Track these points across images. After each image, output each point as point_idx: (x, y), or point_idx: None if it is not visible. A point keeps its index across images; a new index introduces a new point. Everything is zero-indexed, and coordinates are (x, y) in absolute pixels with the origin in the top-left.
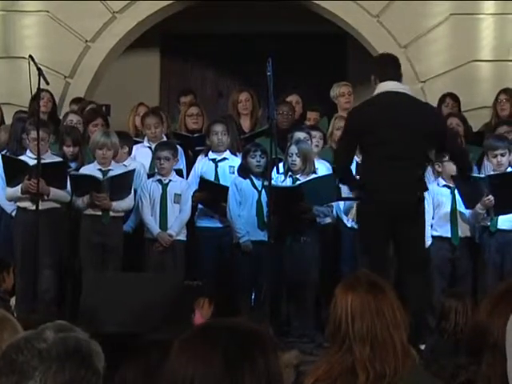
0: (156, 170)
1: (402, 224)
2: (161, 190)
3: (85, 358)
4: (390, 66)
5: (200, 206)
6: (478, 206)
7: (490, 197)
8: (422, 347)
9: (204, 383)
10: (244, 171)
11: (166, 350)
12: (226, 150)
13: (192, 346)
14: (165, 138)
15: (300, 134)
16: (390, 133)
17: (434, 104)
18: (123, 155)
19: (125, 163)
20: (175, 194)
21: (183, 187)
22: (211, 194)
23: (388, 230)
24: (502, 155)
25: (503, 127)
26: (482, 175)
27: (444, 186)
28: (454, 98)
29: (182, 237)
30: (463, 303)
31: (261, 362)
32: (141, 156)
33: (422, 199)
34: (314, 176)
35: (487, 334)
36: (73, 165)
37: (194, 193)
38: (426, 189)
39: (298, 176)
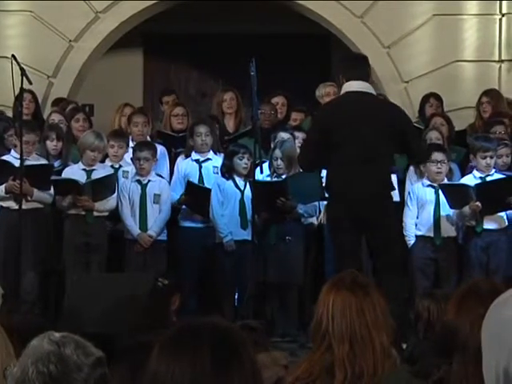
0: (135, 171)
1: (370, 227)
2: (140, 191)
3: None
4: (355, 66)
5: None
6: (466, 208)
7: (478, 203)
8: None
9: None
10: (227, 171)
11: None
12: (209, 151)
13: (177, 347)
14: (149, 139)
15: (284, 135)
16: (353, 133)
17: (418, 104)
18: (122, 155)
19: (121, 163)
20: (155, 195)
21: (162, 187)
22: (197, 197)
23: (357, 232)
24: (491, 157)
25: (500, 126)
26: (471, 184)
27: (428, 186)
28: (438, 97)
29: (163, 237)
30: (436, 303)
31: (247, 359)
32: (127, 156)
33: (391, 200)
34: None
35: (455, 333)
36: (56, 163)
37: (180, 196)
38: (393, 188)
39: (283, 177)
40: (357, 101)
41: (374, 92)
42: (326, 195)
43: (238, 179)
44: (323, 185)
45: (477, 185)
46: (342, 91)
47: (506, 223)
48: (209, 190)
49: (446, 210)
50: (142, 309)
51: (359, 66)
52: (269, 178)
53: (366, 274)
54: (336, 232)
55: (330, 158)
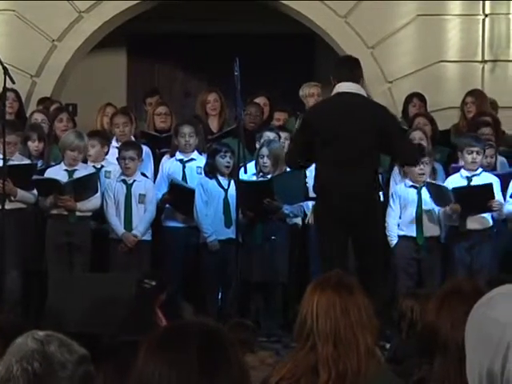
0: (120, 170)
1: (356, 227)
2: (125, 190)
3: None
4: (345, 68)
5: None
6: (447, 208)
7: (458, 205)
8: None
9: None
10: (211, 171)
11: (138, 350)
12: (193, 151)
13: (164, 348)
14: (133, 138)
15: (270, 134)
16: (342, 133)
17: (401, 104)
18: (102, 154)
19: (103, 163)
20: (140, 194)
21: (148, 187)
22: (180, 198)
23: (344, 232)
24: (478, 153)
25: (486, 128)
26: (449, 187)
27: (411, 186)
28: (421, 98)
29: (148, 237)
30: (420, 303)
31: (234, 361)
32: (110, 156)
33: (377, 201)
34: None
35: (436, 334)
36: (38, 163)
37: (163, 195)
38: (382, 189)
39: (269, 177)
40: (346, 101)
41: (364, 93)
42: (313, 195)
43: (221, 178)
44: (307, 185)
45: (454, 189)
46: (333, 92)
47: (491, 223)
48: (192, 191)
49: (428, 205)
50: (128, 310)
51: (350, 68)
52: (254, 177)
53: (350, 273)
54: (323, 232)
55: (318, 157)
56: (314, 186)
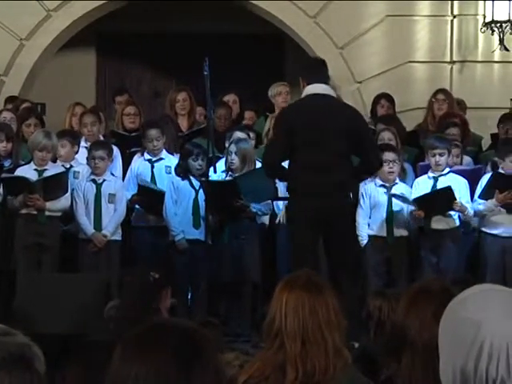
0: (90, 170)
1: (328, 227)
2: (95, 190)
3: (29, 363)
4: (314, 69)
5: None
6: (412, 213)
7: (420, 212)
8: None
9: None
10: (183, 171)
11: (108, 350)
12: (162, 151)
13: (141, 346)
14: (101, 138)
15: (239, 134)
16: (313, 135)
17: (370, 105)
18: (72, 154)
19: (72, 163)
20: (109, 194)
21: (118, 187)
22: (149, 199)
23: (316, 233)
24: (441, 155)
25: (454, 129)
26: (415, 190)
27: (381, 185)
28: (389, 98)
29: (117, 237)
30: (388, 302)
31: (210, 361)
32: (79, 156)
33: (350, 200)
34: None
35: (405, 333)
36: (7, 163)
37: (132, 196)
38: (352, 189)
39: (237, 175)
40: (318, 103)
41: (334, 94)
42: (282, 196)
43: (193, 178)
44: (276, 185)
45: (415, 199)
46: (304, 94)
47: (457, 223)
48: (161, 193)
49: (398, 206)
50: (129, 301)
51: (319, 70)
52: (224, 175)
53: (322, 272)
54: (295, 232)
55: (291, 158)
56: (287, 187)
